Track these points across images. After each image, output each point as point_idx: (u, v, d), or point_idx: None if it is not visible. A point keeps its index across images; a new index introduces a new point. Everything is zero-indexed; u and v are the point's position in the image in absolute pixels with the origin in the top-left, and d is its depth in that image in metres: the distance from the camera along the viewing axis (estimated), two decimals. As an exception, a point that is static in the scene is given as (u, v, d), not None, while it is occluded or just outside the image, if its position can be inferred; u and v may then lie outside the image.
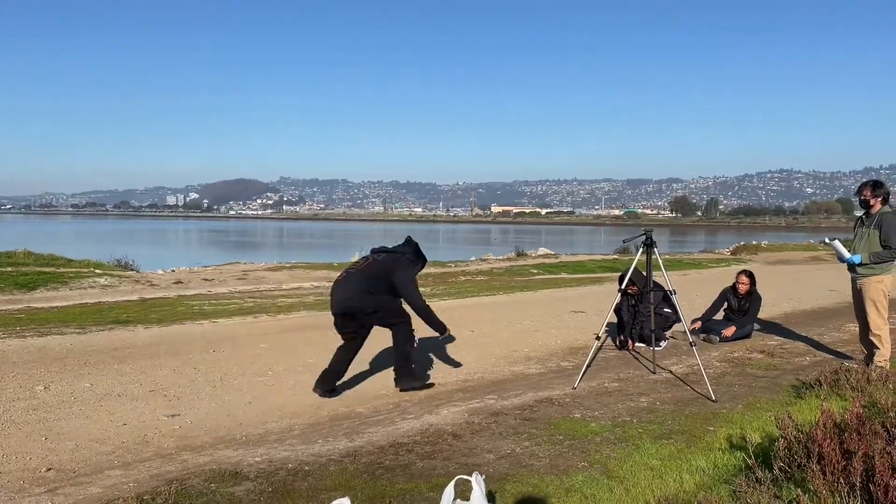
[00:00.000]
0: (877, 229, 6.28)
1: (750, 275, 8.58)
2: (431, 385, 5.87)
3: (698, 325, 8.36)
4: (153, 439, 4.50)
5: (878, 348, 6.38)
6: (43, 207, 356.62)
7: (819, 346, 7.81)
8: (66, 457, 4.15)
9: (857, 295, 6.54)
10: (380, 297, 5.48)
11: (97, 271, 15.69)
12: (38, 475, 3.85)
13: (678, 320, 7.44)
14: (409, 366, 5.76)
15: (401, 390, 5.68)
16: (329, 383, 5.55)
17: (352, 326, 5.56)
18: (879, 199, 6.37)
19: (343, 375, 5.70)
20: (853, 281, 6.58)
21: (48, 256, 17.64)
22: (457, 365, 6.72)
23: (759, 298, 8.51)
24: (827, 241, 6.87)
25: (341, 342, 5.68)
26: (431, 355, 7.11)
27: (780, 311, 10.68)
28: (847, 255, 6.44)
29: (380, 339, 8.07)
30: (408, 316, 5.67)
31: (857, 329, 6.85)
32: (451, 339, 6.11)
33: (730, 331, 8.11)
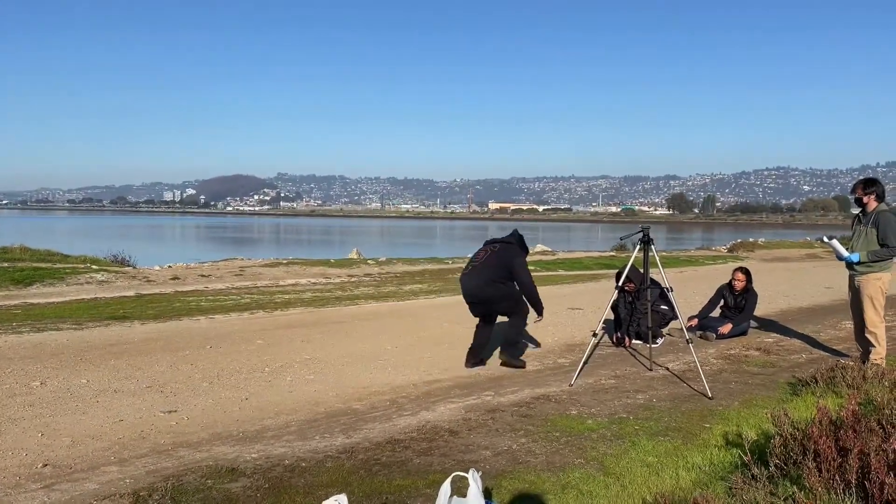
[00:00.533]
0: (874, 228, 6.28)
1: (746, 272, 8.60)
2: (523, 366, 6.57)
3: (695, 322, 8.38)
4: (149, 435, 4.50)
5: (873, 346, 6.38)
6: (39, 203, 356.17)
7: (815, 344, 7.83)
8: (63, 453, 4.15)
9: (855, 292, 6.53)
10: (502, 286, 6.36)
11: (94, 267, 15.66)
12: (34, 471, 3.84)
13: (675, 317, 7.46)
14: (515, 346, 6.69)
15: (501, 364, 6.59)
16: (477, 356, 6.63)
17: (481, 310, 6.55)
18: (873, 196, 6.37)
19: (486, 347, 6.72)
20: (851, 278, 6.58)
21: (44, 252, 17.60)
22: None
23: (756, 295, 8.53)
24: (825, 239, 6.88)
25: (475, 322, 6.71)
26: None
27: (777, 309, 10.70)
28: (845, 253, 6.45)
29: (374, 339, 8.05)
30: (524, 308, 6.51)
31: (853, 326, 6.85)
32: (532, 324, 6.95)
33: (726, 328, 8.12)
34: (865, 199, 6.39)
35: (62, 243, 24.78)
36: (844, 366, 5.64)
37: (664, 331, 7.94)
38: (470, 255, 6.74)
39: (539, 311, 6.50)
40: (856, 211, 6.57)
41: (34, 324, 8.65)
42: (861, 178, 6.63)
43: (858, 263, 6.37)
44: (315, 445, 4.27)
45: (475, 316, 6.66)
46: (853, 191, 6.54)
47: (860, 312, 6.48)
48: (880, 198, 6.39)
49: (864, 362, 6.28)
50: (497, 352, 6.81)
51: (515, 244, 6.54)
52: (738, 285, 8.46)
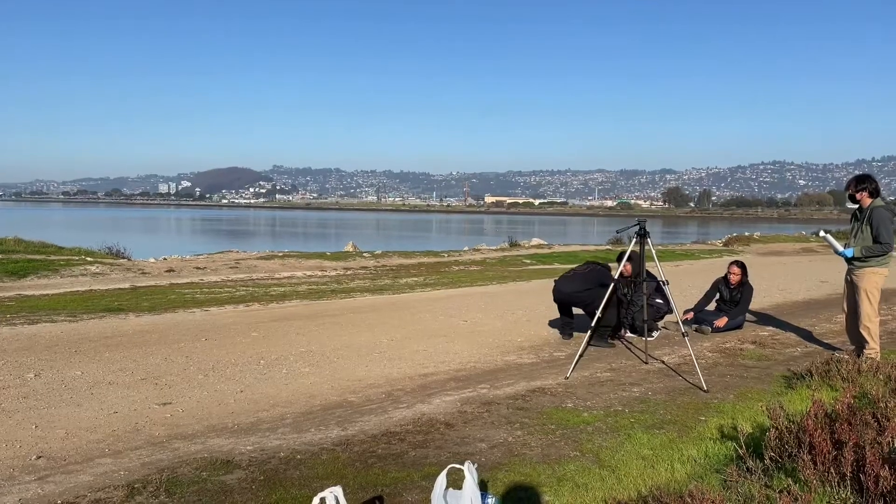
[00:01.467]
0: (868, 224, 6.28)
1: (741, 265, 8.61)
2: (613, 345, 7.31)
3: (690, 315, 8.38)
4: (144, 427, 4.48)
5: (867, 341, 6.38)
6: (33, 195, 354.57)
7: (810, 338, 7.84)
8: (57, 445, 4.13)
9: (852, 286, 6.53)
10: (592, 291, 7.28)
11: (88, 259, 15.61)
12: (29, 463, 3.83)
13: (670, 311, 7.47)
14: (602, 335, 7.36)
15: (590, 345, 7.03)
16: (569, 331, 7.73)
17: (567, 309, 7.75)
18: (865, 192, 6.35)
19: (573, 323, 7.78)
20: (849, 271, 6.58)
21: (38, 244, 17.55)
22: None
23: (751, 289, 8.54)
24: (821, 234, 6.89)
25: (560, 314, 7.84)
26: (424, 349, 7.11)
27: (772, 302, 10.72)
28: (840, 248, 6.46)
29: (370, 332, 8.05)
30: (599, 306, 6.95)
31: (844, 320, 6.84)
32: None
33: (721, 321, 8.13)
34: (858, 196, 6.38)
35: (57, 235, 24.69)
36: (839, 359, 5.66)
37: (659, 324, 7.95)
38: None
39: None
40: (852, 206, 6.55)
41: (28, 315, 8.62)
42: (855, 174, 6.59)
43: (852, 258, 6.38)
44: (310, 438, 4.26)
45: (560, 312, 7.82)
46: (847, 188, 6.54)
47: (855, 306, 6.48)
48: (874, 193, 6.37)
49: (858, 356, 6.30)
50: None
51: (605, 268, 7.58)
52: (734, 279, 8.47)
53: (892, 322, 8.91)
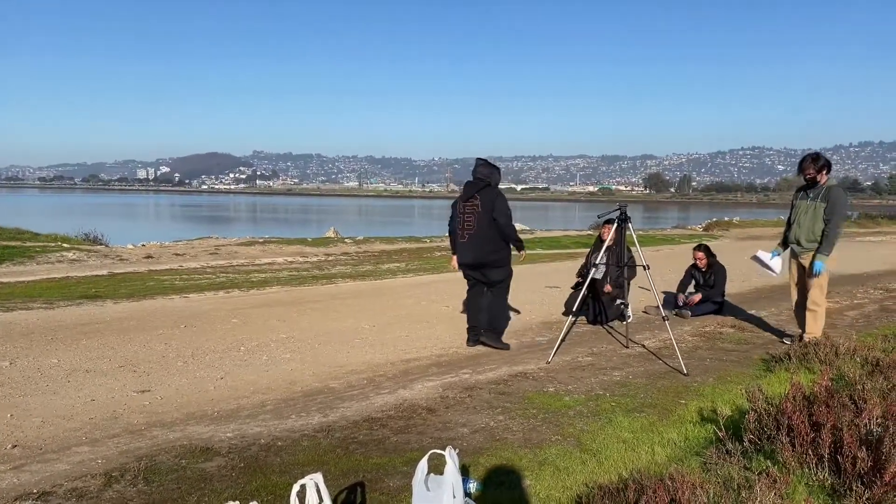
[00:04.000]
0: (824, 202, 6.07)
1: (704, 248, 8.68)
2: (508, 348, 6.46)
3: (682, 298, 8.43)
4: (122, 415, 4.43)
5: (807, 325, 6.22)
6: (9, 181, 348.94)
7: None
8: (33, 433, 4.07)
9: (800, 270, 6.37)
10: (500, 253, 6.35)
11: (65, 245, 15.40)
12: (4, 452, 3.77)
13: (623, 298, 7.56)
14: (501, 324, 6.77)
15: (482, 343, 6.50)
16: (478, 333, 6.52)
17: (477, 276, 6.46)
18: (824, 171, 6.16)
19: (484, 320, 6.56)
20: (796, 256, 6.41)
21: (13, 230, 17.27)
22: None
23: (723, 268, 8.56)
24: (760, 257, 6.74)
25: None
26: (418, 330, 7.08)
27: (752, 287, 10.81)
28: (769, 263, 6.48)
29: (352, 318, 8.03)
30: (509, 279, 6.52)
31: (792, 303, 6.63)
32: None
33: (696, 297, 8.26)
34: (819, 177, 6.16)
35: (32, 222, 24.28)
36: (818, 342, 5.68)
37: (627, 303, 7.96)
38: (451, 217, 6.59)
39: (519, 248, 6.48)
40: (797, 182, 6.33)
41: (3, 303, 8.48)
42: (808, 154, 6.31)
43: (807, 246, 6.19)
44: (291, 424, 4.23)
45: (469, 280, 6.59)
46: (803, 170, 6.25)
47: (804, 290, 6.30)
48: (828, 170, 6.20)
49: (800, 340, 6.21)
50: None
51: (494, 186, 6.35)
52: (701, 263, 8.54)
53: (868, 305, 9.03)
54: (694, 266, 8.65)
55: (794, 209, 6.40)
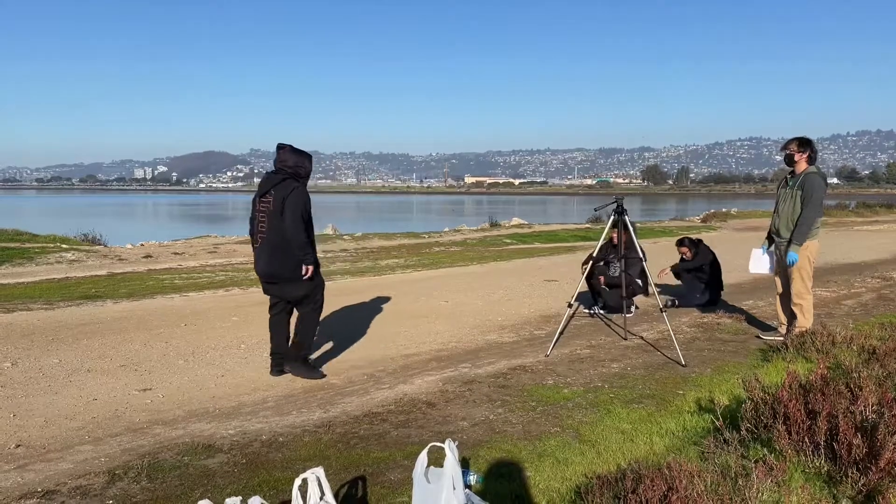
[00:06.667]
0: (800, 190, 5.91)
1: (685, 242, 8.73)
2: (322, 377, 5.30)
3: (666, 270, 8.47)
4: (124, 414, 4.46)
5: (795, 319, 6.05)
6: (6, 182, 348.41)
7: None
8: (36, 433, 4.10)
9: (781, 261, 6.18)
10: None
11: (63, 246, 15.41)
12: (7, 452, 3.80)
13: (645, 292, 7.56)
14: (305, 351, 5.43)
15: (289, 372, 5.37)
16: (281, 363, 5.37)
17: (275, 292, 5.33)
18: (805, 156, 5.98)
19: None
20: (776, 247, 6.27)
21: (12, 232, 17.28)
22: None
23: (707, 250, 8.55)
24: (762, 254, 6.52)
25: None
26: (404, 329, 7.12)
27: (749, 277, 10.82)
28: (765, 263, 6.34)
29: (351, 314, 8.05)
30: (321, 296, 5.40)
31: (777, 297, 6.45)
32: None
33: (675, 265, 8.52)
34: (797, 158, 5.99)
35: (31, 223, 24.29)
36: (814, 331, 5.68)
37: (634, 300, 8.02)
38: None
39: (305, 261, 5.05)
40: (786, 169, 6.22)
41: (3, 304, 8.49)
42: (793, 137, 6.16)
43: (789, 243, 6.00)
44: (292, 420, 4.26)
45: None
46: (785, 147, 6.10)
47: (787, 283, 6.14)
48: (811, 160, 6.00)
49: (787, 333, 6.05)
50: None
51: (303, 177, 5.15)
52: (687, 256, 8.58)
53: (865, 294, 9.07)
54: (682, 261, 8.71)
55: (778, 200, 6.28)
